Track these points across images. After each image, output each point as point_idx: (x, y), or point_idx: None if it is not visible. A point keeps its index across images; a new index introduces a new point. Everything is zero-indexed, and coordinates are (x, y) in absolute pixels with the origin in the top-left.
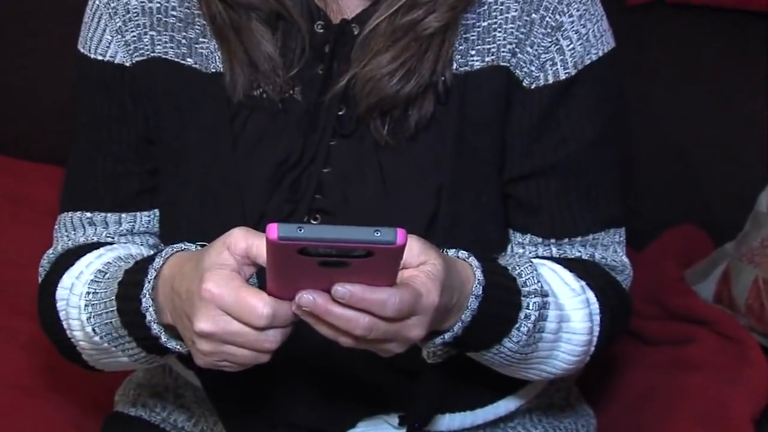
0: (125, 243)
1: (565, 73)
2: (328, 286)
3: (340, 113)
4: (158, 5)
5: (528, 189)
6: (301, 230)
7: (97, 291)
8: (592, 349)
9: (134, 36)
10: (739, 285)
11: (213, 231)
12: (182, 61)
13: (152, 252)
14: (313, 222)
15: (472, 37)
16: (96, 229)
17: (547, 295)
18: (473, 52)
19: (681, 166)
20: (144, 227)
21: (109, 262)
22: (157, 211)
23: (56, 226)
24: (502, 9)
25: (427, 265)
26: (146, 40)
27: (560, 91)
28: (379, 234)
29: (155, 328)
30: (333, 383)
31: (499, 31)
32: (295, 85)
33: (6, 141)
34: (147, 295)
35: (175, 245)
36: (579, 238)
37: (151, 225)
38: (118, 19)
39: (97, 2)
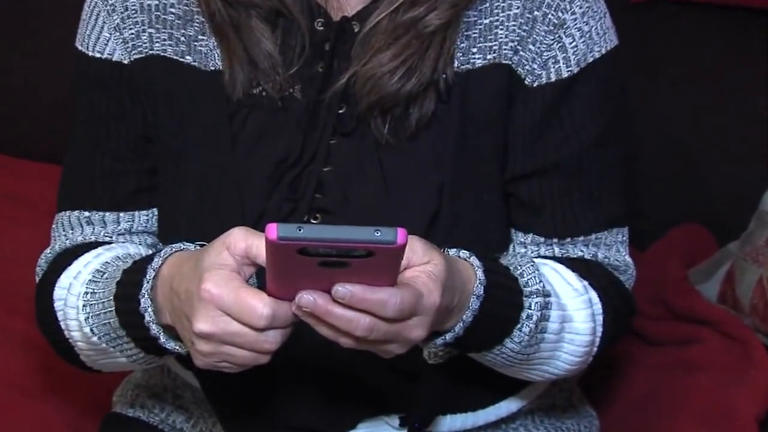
0: (123, 242)
1: (568, 71)
2: (329, 286)
3: (340, 111)
4: (156, 2)
5: (530, 188)
6: (300, 230)
7: (96, 291)
8: (595, 349)
9: (132, 33)
10: (743, 285)
11: (212, 230)
12: (181, 59)
13: (151, 252)
14: (313, 221)
15: (473, 35)
16: (94, 229)
17: (549, 295)
18: (475, 50)
19: (684, 165)
20: (142, 226)
21: (107, 262)
22: (155, 211)
23: (54, 226)
24: (504, 6)
25: (429, 265)
26: (144, 37)
27: (562, 89)
28: (379, 234)
29: (154, 329)
30: (333, 384)
31: (501, 29)
32: (295, 83)
33: (5, 140)
34: (146, 296)
35: (173, 245)
36: (581, 238)
37: (149, 224)
38: (116, 17)
39: None
